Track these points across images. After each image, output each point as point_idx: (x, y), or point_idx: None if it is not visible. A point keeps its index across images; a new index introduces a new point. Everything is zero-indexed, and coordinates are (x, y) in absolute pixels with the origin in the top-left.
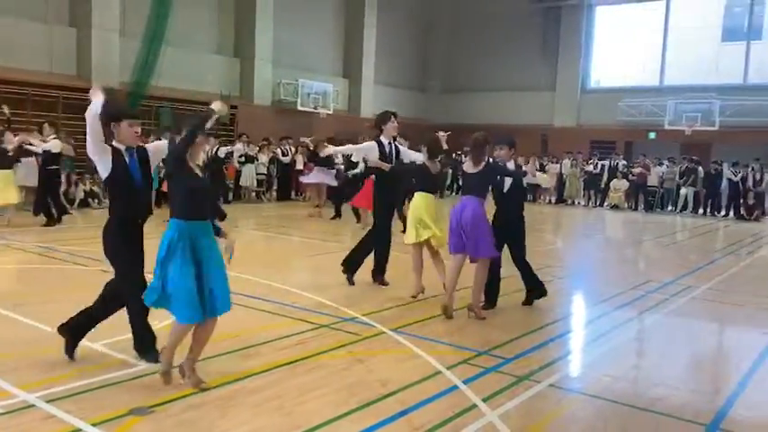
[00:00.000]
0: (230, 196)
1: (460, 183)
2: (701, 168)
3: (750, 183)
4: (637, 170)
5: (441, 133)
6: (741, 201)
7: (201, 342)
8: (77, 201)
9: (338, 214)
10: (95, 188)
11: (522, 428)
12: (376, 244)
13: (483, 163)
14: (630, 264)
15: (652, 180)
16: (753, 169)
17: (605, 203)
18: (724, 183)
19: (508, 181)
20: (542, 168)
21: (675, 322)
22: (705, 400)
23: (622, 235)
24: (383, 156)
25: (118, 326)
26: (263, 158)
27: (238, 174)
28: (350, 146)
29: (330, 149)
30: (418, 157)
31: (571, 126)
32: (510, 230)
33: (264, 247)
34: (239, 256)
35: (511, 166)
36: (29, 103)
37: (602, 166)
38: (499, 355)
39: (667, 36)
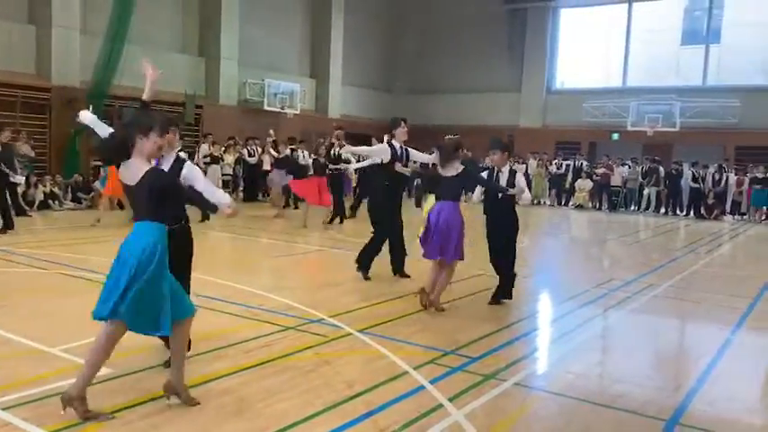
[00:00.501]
0: None
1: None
2: (662, 168)
3: (710, 183)
4: (600, 170)
5: (449, 137)
6: (701, 201)
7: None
8: (37, 203)
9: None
10: (56, 189)
11: (488, 427)
12: (390, 241)
13: (457, 168)
14: (595, 262)
15: (615, 180)
16: (715, 169)
17: (570, 203)
18: (684, 182)
19: (479, 189)
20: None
21: (638, 320)
22: (666, 395)
23: (587, 234)
24: (395, 158)
25: (76, 330)
26: (229, 159)
27: (203, 174)
28: (364, 147)
29: (349, 148)
30: (426, 159)
31: (537, 127)
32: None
33: (230, 249)
34: (204, 258)
35: (506, 171)
36: None
37: (567, 166)
38: (465, 354)
39: (629, 39)
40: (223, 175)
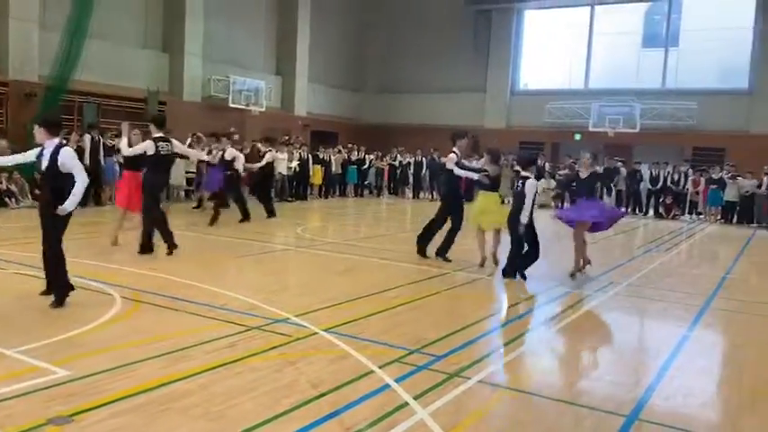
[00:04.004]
0: None
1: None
2: (623, 169)
3: (669, 183)
4: (563, 171)
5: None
6: (660, 200)
7: None
8: None
9: (272, 213)
10: (12, 187)
11: (452, 425)
12: (451, 230)
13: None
14: (557, 261)
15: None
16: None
17: None
18: (644, 182)
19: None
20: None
21: (599, 317)
22: (625, 391)
23: (549, 233)
24: (462, 165)
25: (33, 332)
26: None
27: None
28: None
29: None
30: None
31: (501, 127)
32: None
33: (194, 248)
34: (168, 257)
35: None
36: None
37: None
38: (431, 352)
39: (592, 41)
40: (187, 173)
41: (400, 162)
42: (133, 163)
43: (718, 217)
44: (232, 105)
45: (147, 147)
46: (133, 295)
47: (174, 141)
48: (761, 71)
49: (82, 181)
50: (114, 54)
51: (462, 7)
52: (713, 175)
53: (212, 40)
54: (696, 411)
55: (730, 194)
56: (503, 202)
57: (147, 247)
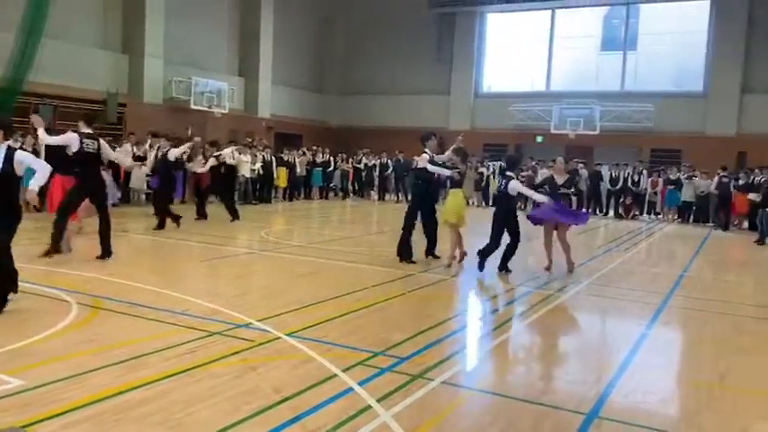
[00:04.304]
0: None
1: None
2: (584, 170)
3: (629, 184)
4: (525, 172)
5: (460, 138)
6: (620, 201)
7: None
8: None
9: (235, 216)
10: None
11: (415, 427)
12: (429, 229)
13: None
14: (520, 261)
15: (539, 181)
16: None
17: None
18: (604, 183)
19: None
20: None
21: (560, 316)
22: (586, 389)
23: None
24: (435, 163)
25: None
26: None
27: (128, 175)
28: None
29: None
30: (445, 158)
31: (465, 129)
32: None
33: (155, 253)
34: (127, 262)
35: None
36: None
37: (493, 168)
38: (395, 354)
39: (553, 44)
40: (147, 175)
41: (365, 164)
42: (64, 166)
43: (676, 217)
44: (194, 107)
45: (71, 139)
46: (91, 301)
47: (101, 142)
48: (715, 74)
49: (43, 166)
50: (71, 55)
51: (426, 10)
52: (671, 176)
53: (173, 41)
54: (655, 408)
55: (687, 195)
56: (467, 202)
57: (55, 249)
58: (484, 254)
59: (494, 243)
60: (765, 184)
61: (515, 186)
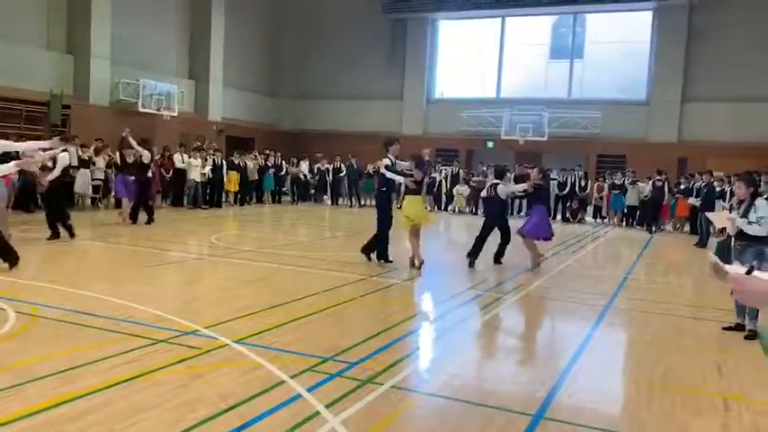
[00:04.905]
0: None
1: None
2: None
3: (576, 189)
4: (477, 177)
5: (425, 150)
6: (567, 205)
7: None
8: None
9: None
10: None
11: None
12: (382, 233)
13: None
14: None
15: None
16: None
17: (450, 208)
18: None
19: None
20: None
21: (510, 318)
22: (533, 390)
23: (464, 238)
24: (392, 169)
25: None
26: (100, 163)
27: (72, 179)
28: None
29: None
30: (406, 166)
31: (418, 134)
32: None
33: (100, 259)
34: (68, 268)
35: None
36: None
37: (446, 172)
38: (344, 359)
39: (503, 51)
40: (93, 179)
41: (318, 168)
42: None
43: (621, 220)
44: (142, 110)
45: None
46: (29, 309)
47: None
48: (656, 83)
49: None
50: (13, 54)
51: (378, 15)
52: (615, 181)
53: (121, 42)
54: (599, 407)
55: (631, 199)
56: (426, 208)
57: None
58: (473, 254)
59: (481, 242)
60: (705, 189)
61: (504, 189)
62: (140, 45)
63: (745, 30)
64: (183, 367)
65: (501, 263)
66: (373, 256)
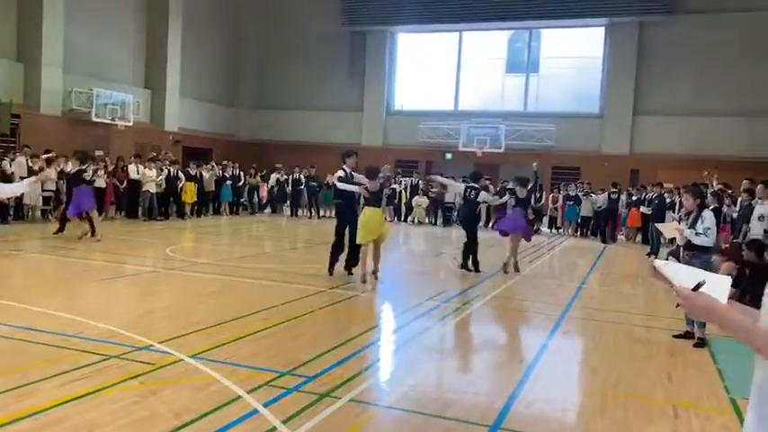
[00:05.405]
0: (9, 215)
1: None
2: (491, 187)
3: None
4: (435, 189)
5: (387, 165)
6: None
7: None
8: None
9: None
10: None
11: None
12: (349, 244)
13: None
14: (429, 275)
15: (449, 197)
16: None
17: (409, 219)
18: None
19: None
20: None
21: (468, 328)
22: (490, 401)
23: (423, 248)
24: (345, 180)
25: None
26: (52, 174)
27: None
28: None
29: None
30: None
31: (377, 146)
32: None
33: (49, 273)
34: (17, 283)
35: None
36: None
37: (405, 183)
38: (302, 374)
39: (461, 65)
40: (44, 190)
41: (277, 179)
42: None
43: (575, 230)
44: (96, 119)
45: None
46: None
47: None
48: (609, 97)
49: None
50: None
51: (338, 27)
52: (570, 192)
53: (74, 49)
54: (554, 416)
55: (585, 210)
56: (386, 219)
57: None
58: (470, 255)
59: (473, 242)
60: (656, 199)
61: (485, 197)
62: (94, 53)
63: (692, 47)
64: (136, 383)
65: (470, 269)
66: (338, 267)
